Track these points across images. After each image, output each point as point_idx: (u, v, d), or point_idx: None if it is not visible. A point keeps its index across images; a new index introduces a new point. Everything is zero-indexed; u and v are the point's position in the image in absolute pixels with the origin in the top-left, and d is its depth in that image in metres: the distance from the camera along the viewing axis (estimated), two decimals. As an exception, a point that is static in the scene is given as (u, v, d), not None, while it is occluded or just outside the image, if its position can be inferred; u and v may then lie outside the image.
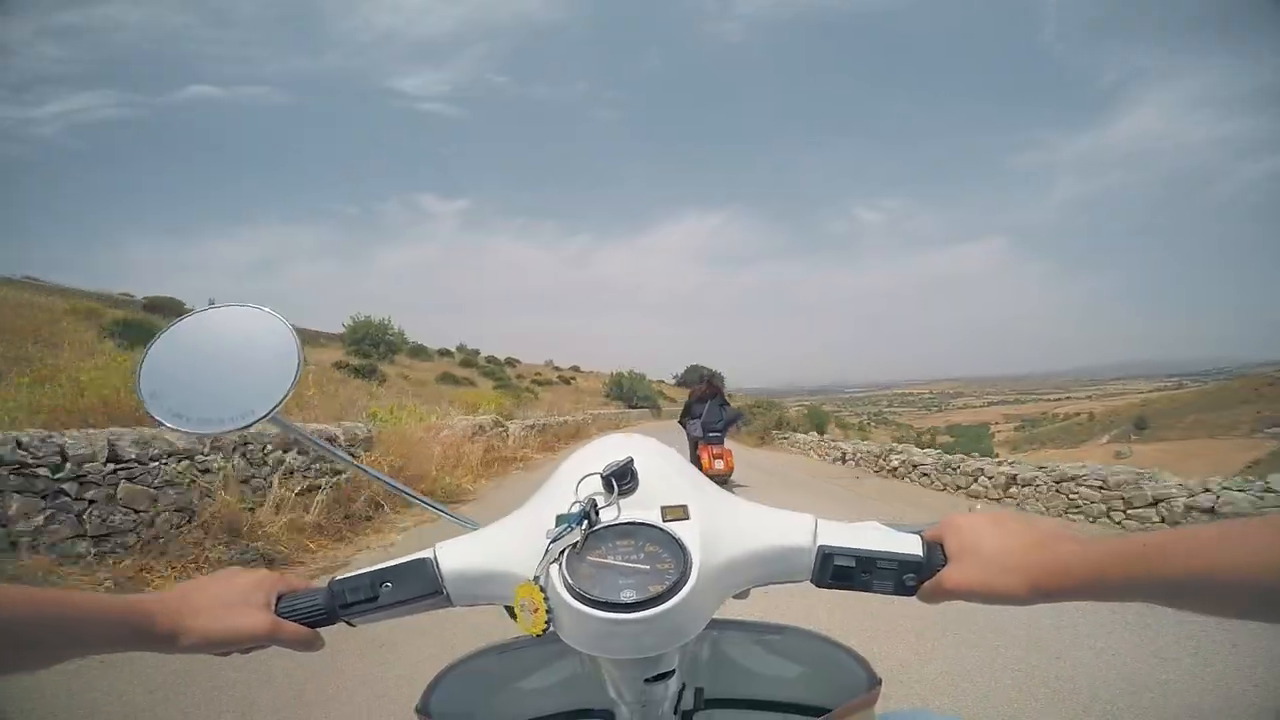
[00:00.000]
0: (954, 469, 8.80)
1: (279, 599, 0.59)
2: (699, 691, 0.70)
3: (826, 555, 0.57)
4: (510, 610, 0.56)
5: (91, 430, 4.41)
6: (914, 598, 0.57)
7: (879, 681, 0.70)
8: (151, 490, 4.43)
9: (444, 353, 40.53)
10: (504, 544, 0.59)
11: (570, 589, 0.51)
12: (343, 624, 0.60)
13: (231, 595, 0.57)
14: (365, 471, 0.73)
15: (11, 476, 3.69)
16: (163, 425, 0.62)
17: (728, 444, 8.64)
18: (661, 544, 0.54)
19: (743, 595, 0.60)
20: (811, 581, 0.58)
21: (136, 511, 4.30)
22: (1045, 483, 7.08)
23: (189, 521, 4.58)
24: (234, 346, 0.67)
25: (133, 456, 4.37)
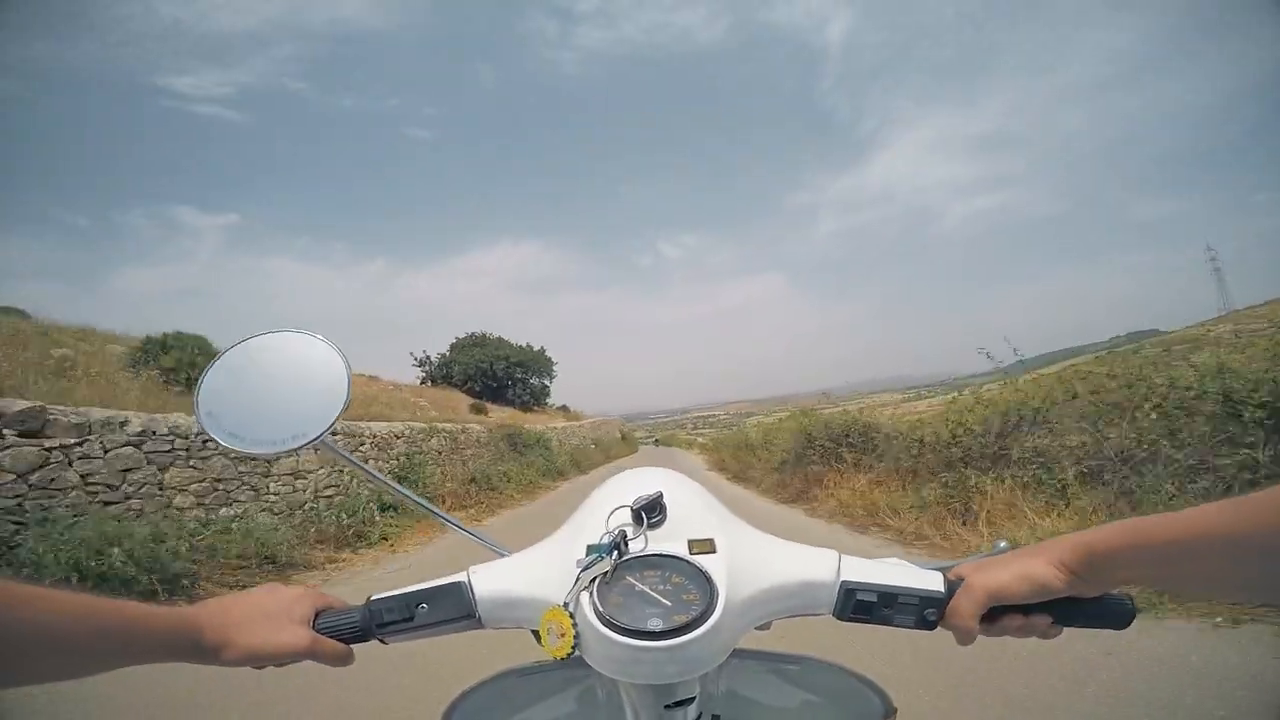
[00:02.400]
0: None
1: (317, 615, 0.61)
2: (716, 718, 0.70)
3: (849, 590, 0.58)
4: (536, 634, 0.57)
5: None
6: (936, 631, 0.58)
7: (894, 711, 0.69)
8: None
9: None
10: (536, 570, 0.61)
11: (600, 615, 0.52)
12: (375, 641, 0.62)
13: (273, 609, 0.59)
14: (406, 496, 0.75)
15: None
16: (219, 444, 0.66)
17: None
18: (688, 576, 0.55)
19: (765, 626, 0.61)
20: (834, 615, 0.59)
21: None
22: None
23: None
24: (287, 371, 0.70)
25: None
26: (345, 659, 0.61)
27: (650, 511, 0.59)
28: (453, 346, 32.04)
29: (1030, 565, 0.54)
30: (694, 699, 0.60)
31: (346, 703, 2.81)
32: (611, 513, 0.60)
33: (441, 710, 0.76)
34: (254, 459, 4.92)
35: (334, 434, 0.68)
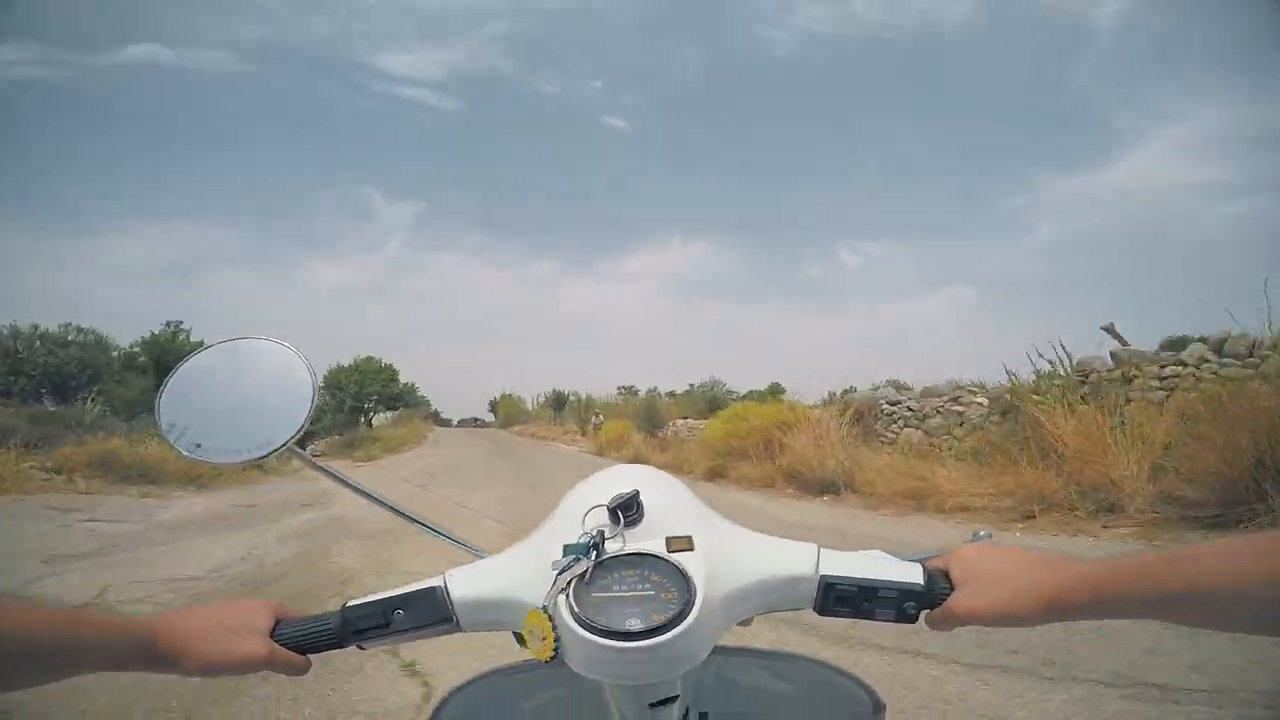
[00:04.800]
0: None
1: (276, 624, 0.61)
2: (703, 715, 0.71)
3: (829, 584, 0.58)
4: (519, 636, 0.57)
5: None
6: (916, 625, 0.58)
7: (884, 707, 0.70)
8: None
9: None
10: (513, 572, 0.60)
11: (577, 618, 0.52)
12: (352, 646, 0.61)
13: (231, 621, 0.59)
14: (378, 501, 0.74)
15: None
16: (181, 454, 0.64)
17: None
18: (666, 574, 0.55)
19: (746, 622, 0.61)
20: (814, 609, 0.59)
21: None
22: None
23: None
24: (251, 378, 0.69)
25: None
26: (302, 669, 0.61)
27: (627, 510, 0.58)
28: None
29: (1016, 603, 0.53)
30: (677, 697, 0.60)
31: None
32: (588, 512, 0.60)
33: (430, 709, 0.76)
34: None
35: (300, 441, 0.67)
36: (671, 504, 0.61)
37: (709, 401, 22.82)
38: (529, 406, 41.46)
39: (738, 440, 11.14)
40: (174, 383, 0.68)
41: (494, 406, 47.54)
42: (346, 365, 39.04)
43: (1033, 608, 0.52)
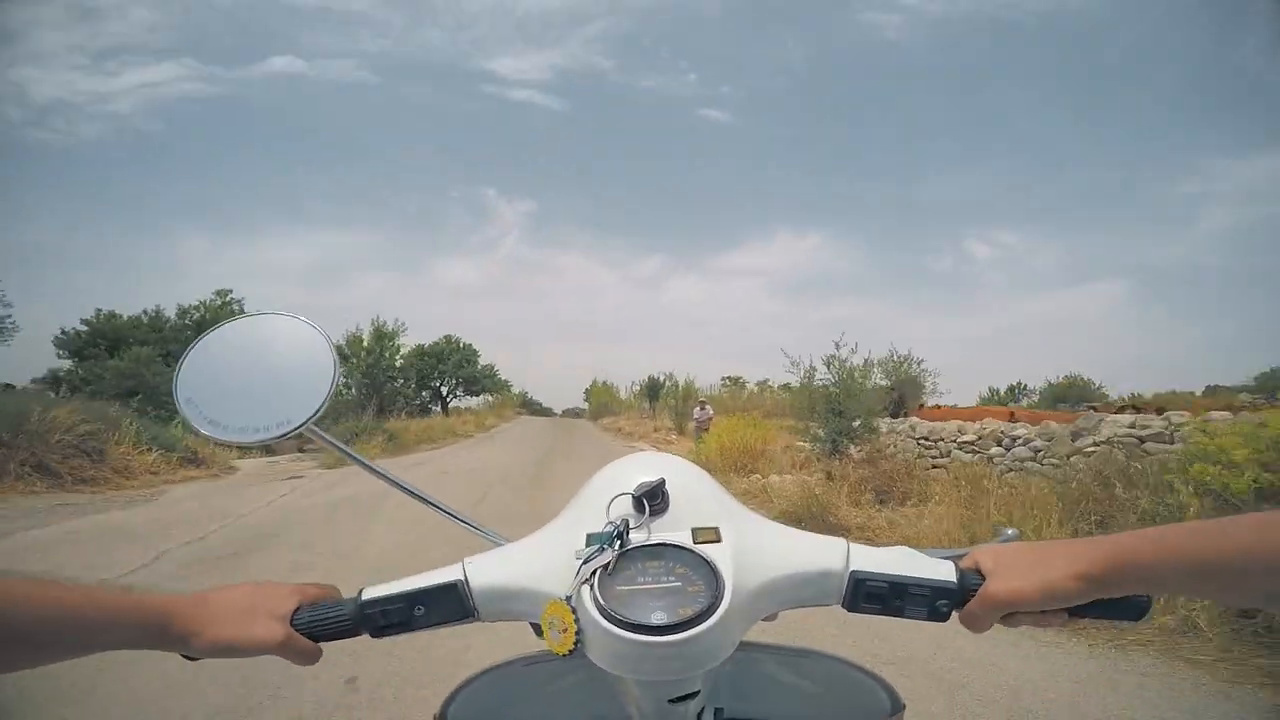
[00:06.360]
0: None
1: (296, 610, 0.60)
2: (719, 712, 0.70)
3: (859, 580, 0.57)
4: (536, 627, 0.56)
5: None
6: (948, 623, 0.57)
7: (903, 707, 0.68)
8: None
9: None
10: (534, 561, 0.59)
11: (602, 610, 0.50)
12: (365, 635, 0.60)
13: (253, 604, 0.58)
14: (397, 484, 0.73)
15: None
16: (196, 432, 0.63)
17: None
18: (693, 566, 0.53)
19: (771, 617, 0.60)
20: (843, 606, 0.58)
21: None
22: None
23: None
24: (270, 355, 0.67)
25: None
26: (313, 657, 0.60)
27: (652, 499, 0.57)
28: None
29: (1051, 577, 0.53)
30: (698, 693, 0.58)
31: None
32: (612, 500, 0.58)
33: (440, 700, 0.74)
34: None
35: (319, 420, 0.65)
36: (697, 494, 0.60)
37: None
38: (622, 395, 38.13)
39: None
40: (191, 358, 0.66)
41: (588, 395, 45.36)
42: (426, 345, 36.85)
43: (1065, 588, 0.52)
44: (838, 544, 0.59)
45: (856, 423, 9.65)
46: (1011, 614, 0.55)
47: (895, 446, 9.86)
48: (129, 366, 19.93)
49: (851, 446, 9.40)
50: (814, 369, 10.22)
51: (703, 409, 15.86)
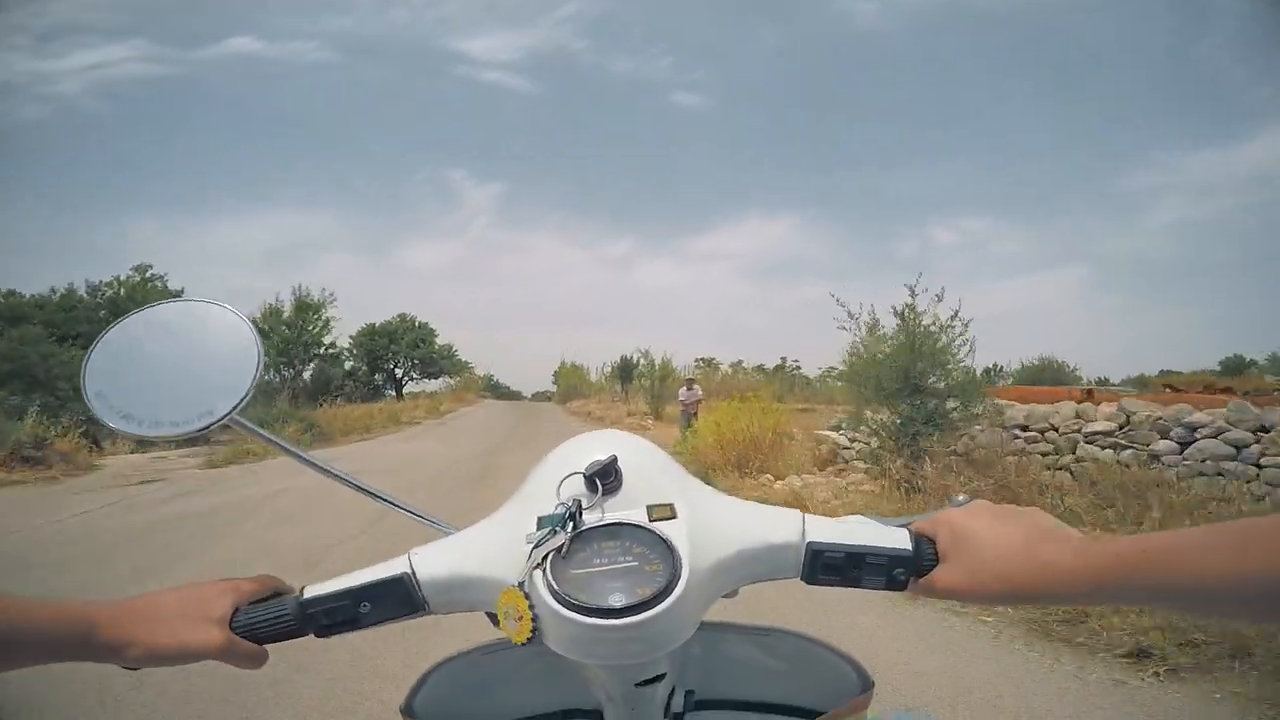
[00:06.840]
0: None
1: (235, 612, 0.57)
2: (689, 694, 0.71)
3: (815, 551, 0.56)
4: (492, 616, 0.54)
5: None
6: (905, 592, 0.57)
7: (872, 684, 0.70)
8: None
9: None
10: (483, 548, 0.57)
11: (556, 595, 0.49)
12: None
13: (186, 608, 0.55)
14: (328, 473, 0.69)
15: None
16: (108, 426, 0.60)
17: None
18: (649, 545, 0.52)
19: (732, 594, 0.59)
20: (801, 578, 0.57)
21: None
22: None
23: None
24: (189, 343, 0.65)
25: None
26: (259, 660, 0.57)
27: (605, 477, 0.55)
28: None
29: (1024, 564, 0.49)
30: (665, 675, 0.58)
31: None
32: (563, 480, 0.56)
33: (406, 689, 0.74)
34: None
35: (244, 410, 0.62)
36: (651, 470, 0.58)
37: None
38: (593, 378, 34.82)
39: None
40: (101, 348, 0.63)
41: (556, 378, 42.62)
42: (377, 324, 35.12)
43: (1019, 592, 0.50)
44: (793, 515, 0.58)
45: (952, 404, 6.98)
46: None
47: (973, 439, 7.33)
48: (8, 347, 16.84)
49: (934, 439, 6.82)
50: (877, 322, 7.43)
51: (690, 389, 13.81)
